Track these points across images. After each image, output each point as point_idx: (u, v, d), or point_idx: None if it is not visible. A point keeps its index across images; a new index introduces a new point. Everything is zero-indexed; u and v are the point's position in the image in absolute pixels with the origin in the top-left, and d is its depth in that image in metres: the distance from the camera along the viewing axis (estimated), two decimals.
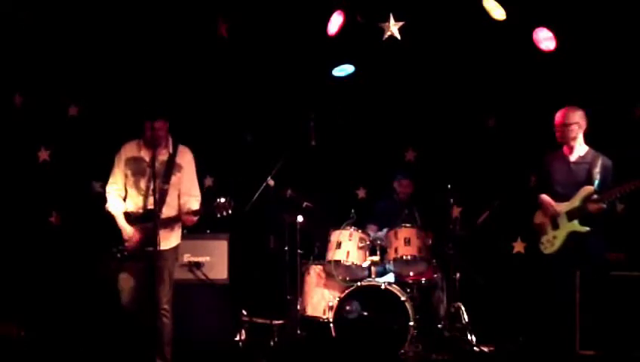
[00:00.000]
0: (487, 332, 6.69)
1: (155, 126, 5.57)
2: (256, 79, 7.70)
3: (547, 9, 6.93)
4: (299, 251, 6.75)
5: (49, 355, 6.37)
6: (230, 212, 5.64)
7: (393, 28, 7.21)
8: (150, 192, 5.52)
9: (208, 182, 7.87)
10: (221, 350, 6.43)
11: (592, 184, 5.69)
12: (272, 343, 6.64)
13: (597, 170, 5.72)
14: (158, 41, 7.46)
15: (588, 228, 5.64)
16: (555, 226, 5.76)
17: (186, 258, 6.57)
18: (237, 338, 6.71)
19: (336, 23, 7.40)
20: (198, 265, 6.56)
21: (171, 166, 5.67)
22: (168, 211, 5.64)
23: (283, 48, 7.57)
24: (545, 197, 5.83)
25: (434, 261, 6.68)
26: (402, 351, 6.24)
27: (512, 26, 7.01)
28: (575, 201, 5.69)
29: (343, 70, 7.59)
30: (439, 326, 6.65)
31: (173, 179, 5.66)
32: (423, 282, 6.68)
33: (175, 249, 5.77)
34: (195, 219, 5.67)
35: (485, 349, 6.55)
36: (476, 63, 7.35)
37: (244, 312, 6.90)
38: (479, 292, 7.01)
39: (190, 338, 6.31)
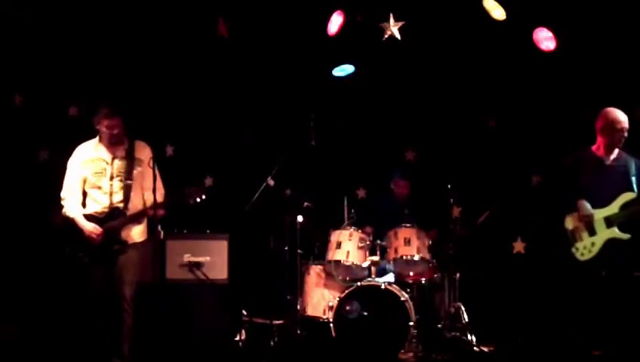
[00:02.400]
0: (487, 332, 6.69)
1: (110, 124, 5.57)
2: (257, 79, 7.70)
3: (547, 9, 6.93)
4: (299, 251, 6.75)
5: (48, 355, 6.36)
6: (204, 197, 5.61)
7: (393, 28, 7.22)
8: (115, 190, 5.56)
9: (208, 182, 7.88)
10: (221, 350, 6.43)
11: (630, 189, 5.55)
12: (272, 343, 6.63)
13: (633, 172, 5.57)
14: (159, 41, 7.47)
15: (629, 236, 5.50)
16: (592, 233, 5.56)
17: (186, 258, 6.57)
18: (237, 338, 6.71)
19: (336, 23, 7.41)
20: (198, 265, 6.55)
21: (131, 161, 5.65)
22: (133, 206, 5.62)
23: (283, 48, 7.58)
24: (583, 202, 5.59)
25: (434, 261, 6.67)
26: (402, 351, 6.23)
27: (512, 26, 7.01)
28: (614, 207, 5.53)
29: (343, 70, 7.59)
30: (439, 326, 6.64)
31: (135, 173, 5.64)
32: (423, 282, 6.68)
33: (144, 243, 5.72)
34: (163, 211, 5.65)
35: (485, 349, 6.54)
36: (476, 63, 7.35)
37: (244, 312, 6.90)
38: (479, 292, 7.01)
39: (190, 338, 6.32)
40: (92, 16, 7.34)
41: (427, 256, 6.59)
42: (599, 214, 5.59)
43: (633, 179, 5.58)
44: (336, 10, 7.40)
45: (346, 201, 7.00)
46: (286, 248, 6.77)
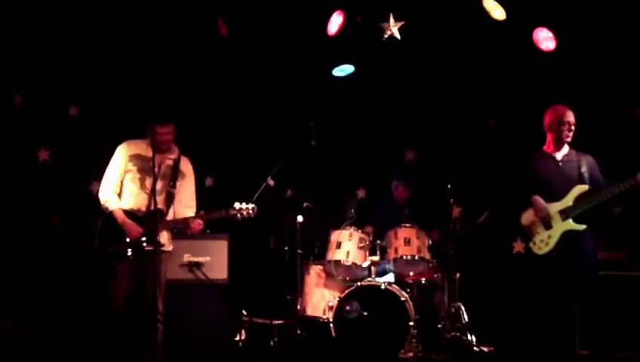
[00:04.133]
0: (487, 332, 6.69)
1: (160, 131, 5.55)
2: (257, 79, 7.70)
3: (547, 9, 6.93)
4: (299, 251, 6.76)
5: (49, 355, 6.36)
6: (252, 214, 5.70)
7: (393, 28, 7.21)
8: (157, 192, 5.49)
9: (208, 182, 7.89)
10: (221, 350, 6.43)
11: (583, 183, 5.63)
12: (272, 343, 6.64)
13: (584, 168, 5.65)
14: (158, 41, 7.47)
15: (584, 226, 5.55)
16: (548, 226, 5.63)
17: (186, 258, 6.56)
18: (237, 338, 6.71)
19: (336, 23, 7.41)
20: (198, 265, 6.55)
21: (177, 171, 5.66)
22: (171, 214, 5.64)
23: (283, 48, 7.58)
24: (537, 198, 5.69)
25: (434, 261, 6.67)
26: (402, 351, 6.24)
27: (512, 26, 7.01)
28: (568, 200, 5.59)
29: (343, 70, 7.59)
30: (439, 326, 6.65)
31: (178, 184, 5.66)
32: (423, 282, 6.68)
33: (170, 253, 5.76)
34: (202, 225, 5.66)
35: (485, 349, 6.55)
36: (476, 63, 7.35)
37: (244, 312, 6.90)
38: (479, 292, 7.01)
39: (190, 338, 6.32)
40: (92, 16, 7.33)
41: (427, 256, 6.60)
42: (554, 208, 5.63)
43: (586, 173, 5.64)
44: (336, 10, 7.40)
45: (357, 203, 6.99)
46: (286, 248, 6.78)
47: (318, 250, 6.95)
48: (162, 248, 5.50)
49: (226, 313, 6.58)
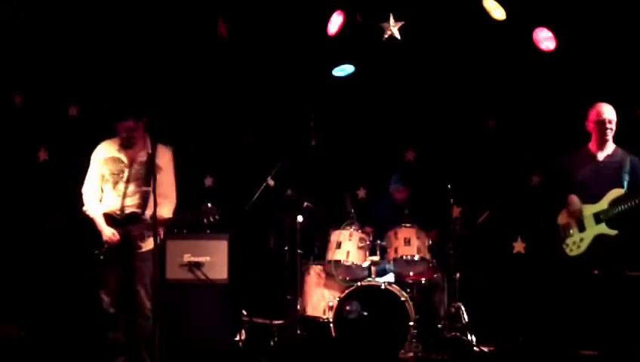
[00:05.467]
0: (487, 332, 6.69)
1: (123, 127, 5.51)
2: (256, 79, 7.70)
3: (547, 9, 6.94)
4: (299, 251, 6.75)
5: (49, 355, 6.36)
6: (217, 218, 5.54)
7: (393, 28, 7.22)
8: (128, 194, 5.49)
9: (208, 182, 7.89)
10: (221, 350, 6.43)
11: (621, 185, 5.56)
12: (272, 343, 6.64)
13: (626, 169, 5.57)
14: (159, 42, 7.48)
15: (616, 232, 5.50)
16: (582, 228, 5.58)
17: (186, 258, 6.56)
18: (237, 338, 6.71)
19: (336, 23, 7.42)
20: (198, 265, 6.55)
21: (152, 167, 5.48)
22: (149, 214, 5.51)
23: (283, 48, 7.58)
24: (573, 197, 5.62)
25: (434, 261, 6.67)
26: (402, 351, 6.23)
27: (512, 26, 7.02)
28: (603, 203, 5.54)
29: (343, 70, 7.59)
30: (439, 326, 6.64)
31: (153, 181, 5.46)
32: (423, 282, 6.68)
33: (154, 249, 5.61)
34: (162, 230, 5.59)
35: (485, 349, 6.54)
36: (476, 63, 7.35)
37: (244, 312, 6.90)
38: (479, 292, 7.01)
39: (190, 338, 6.32)
40: (92, 16, 7.34)
41: (427, 256, 6.59)
42: (588, 210, 5.59)
43: (625, 175, 5.58)
44: (336, 10, 7.40)
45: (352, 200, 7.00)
46: (286, 248, 6.78)
47: (318, 249, 6.94)
48: (140, 250, 5.50)
49: (226, 313, 6.59)
